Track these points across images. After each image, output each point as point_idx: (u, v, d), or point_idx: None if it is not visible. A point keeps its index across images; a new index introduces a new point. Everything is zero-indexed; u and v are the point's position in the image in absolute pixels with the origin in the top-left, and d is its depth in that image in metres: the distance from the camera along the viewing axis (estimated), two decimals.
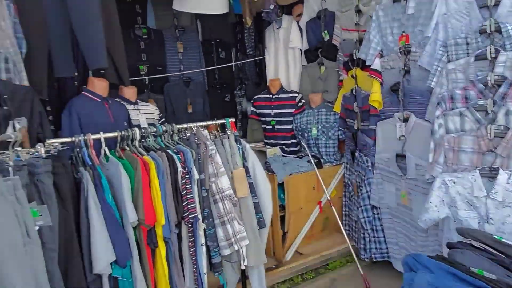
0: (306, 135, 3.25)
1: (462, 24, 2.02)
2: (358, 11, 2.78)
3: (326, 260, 2.93)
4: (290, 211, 2.89)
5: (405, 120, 2.36)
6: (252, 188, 2.06)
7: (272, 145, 3.46)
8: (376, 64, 2.54)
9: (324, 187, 2.96)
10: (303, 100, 3.39)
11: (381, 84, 2.55)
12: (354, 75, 2.80)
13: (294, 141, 3.42)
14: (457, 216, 2.00)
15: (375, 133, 2.61)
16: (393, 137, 2.45)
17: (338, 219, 2.87)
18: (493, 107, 1.88)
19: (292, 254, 2.91)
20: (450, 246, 1.79)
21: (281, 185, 2.87)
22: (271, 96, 3.46)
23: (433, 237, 2.27)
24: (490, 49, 1.87)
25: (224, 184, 1.96)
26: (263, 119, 3.53)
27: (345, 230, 3.02)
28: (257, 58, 4.27)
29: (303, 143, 3.23)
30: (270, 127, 3.48)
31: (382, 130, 2.55)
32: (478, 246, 1.70)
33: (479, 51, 1.93)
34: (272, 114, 3.44)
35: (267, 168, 2.92)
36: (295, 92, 3.46)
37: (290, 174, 2.89)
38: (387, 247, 2.70)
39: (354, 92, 2.82)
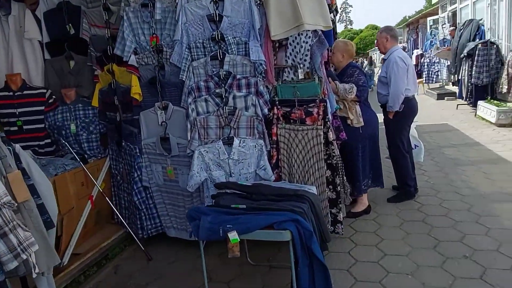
0: (64, 132, 3.11)
1: (199, 32, 2.66)
2: (107, 9, 2.95)
3: (106, 251, 3.00)
4: (62, 213, 2.75)
5: (164, 108, 2.81)
6: (33, 189, 1.90)
7: None
8: (132, 60, 2.84)
9: (94, 180, 2.99)
10: (54, 97, 3.20)
11: (139, 78, 2.87)
12: (110, 70, 2.97)
13: (49, 140, 3.18)
14: (212, 176, 2.66)
15: (139, 122, 2.92)
16: (155, 124, 2.85)
17: (114, 208, 2.99)
18: (225, 94, 2.63)
19: (69, 257, 2.78)
20: (213, 197, 2.41)
21: None
22: (12, 93, 3.04)
23: (197, 199, 2.87)
24: (219, 52, 2.60)
25: None
26: (4, 120, 3.05)
27: (117, 219, 3.18)
28: None
29: (63, 141, 3.08)
30: (15, 128, 3.06)
31: (145, 118, 2.90)
32: (230, 191, 2.40)
33: (212, 53, 2.63)
34: (17, 113, 3.04)
35: None
36: (42, 88, 3.20)
37: (56, 174, 2.74)
38: (160, 220, 3.10)
39: (113, 86, 2.99)
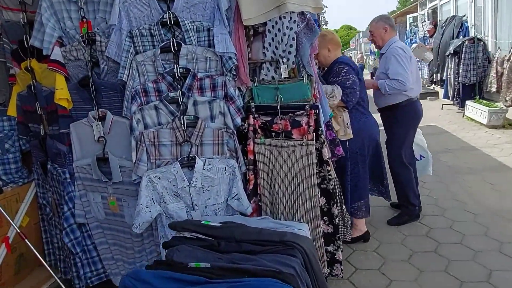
0: None
1: (144, 14, 1.95)
2: None
3: None
4: None
5: (102, 118, 2.08)
6: None
7: None
8: (56, 54, 2.09)
9: (8, 217, 2.21)
10: None
11: (67, 78, 2.14)
12: (29, 68, 2.22)
13: None
14: (167, 211, 1.96)
15: (69, 137, 2.18)
16: (91, 140, 2.12)
17: (36, 253, 2.23)
18: (183, 98, 1.93)
19: None
20: (165, 245, 1.70)
21: None
22: None
23: (148, 239, 2.16)
24: (173, 42, 1.90)
25: None
26: None
27: (50, 261, 2.45)
28: None
29: None
30: None
31: (77, 132, 2.16)
32: (191, 236, 1.70)
33: (164, 43, 1.93)
34: None
35: None
36: None
37: None
38: (103, 265, 2.36)
39: (33, 90, 2.24)
